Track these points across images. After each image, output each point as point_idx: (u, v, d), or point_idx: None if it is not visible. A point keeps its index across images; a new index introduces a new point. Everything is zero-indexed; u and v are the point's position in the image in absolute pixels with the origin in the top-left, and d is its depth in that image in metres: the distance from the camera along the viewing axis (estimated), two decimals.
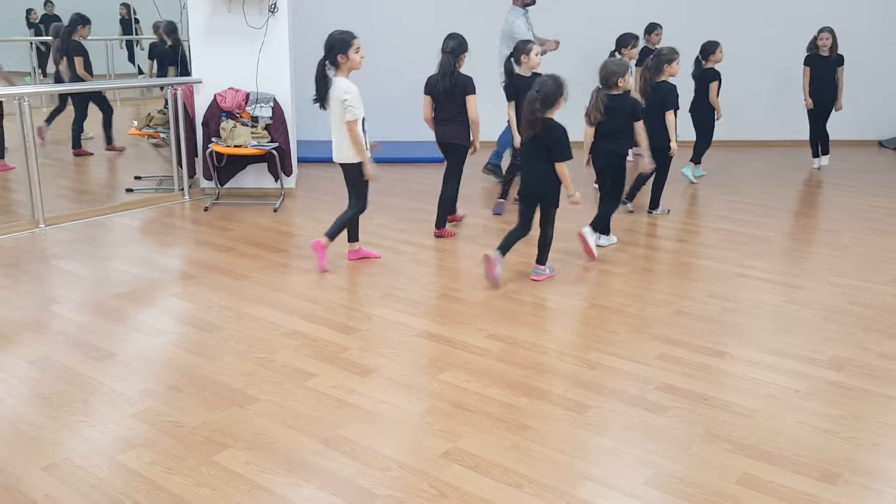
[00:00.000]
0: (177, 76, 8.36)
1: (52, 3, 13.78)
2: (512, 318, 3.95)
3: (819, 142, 7.91)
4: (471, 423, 2.91)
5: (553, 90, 4.26)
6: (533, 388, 3.20)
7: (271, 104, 6.12)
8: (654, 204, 6.07)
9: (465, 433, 2.84)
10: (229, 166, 6.22)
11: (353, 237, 4.79)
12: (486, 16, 7.15)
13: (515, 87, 5.57)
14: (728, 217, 6.05)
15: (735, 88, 7.89)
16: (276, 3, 6.03)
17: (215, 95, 6.11)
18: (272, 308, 4.01)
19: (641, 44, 7.44)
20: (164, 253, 5.01)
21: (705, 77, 6.91)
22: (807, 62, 7.65)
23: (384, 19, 8.20)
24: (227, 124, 5.97)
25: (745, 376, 3.35)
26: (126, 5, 13.64)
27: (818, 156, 7.95)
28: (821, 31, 7.51)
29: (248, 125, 6.03)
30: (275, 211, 5.98)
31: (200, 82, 6.20)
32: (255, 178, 6.39)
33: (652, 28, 7.82)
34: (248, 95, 6.13)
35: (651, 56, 5.98)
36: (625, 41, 7.04)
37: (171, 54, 8.29)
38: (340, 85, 4.34)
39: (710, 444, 2.80)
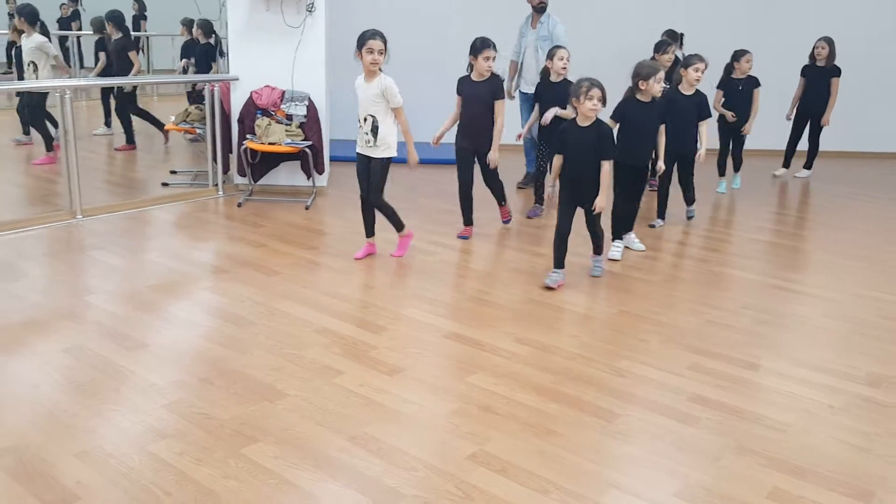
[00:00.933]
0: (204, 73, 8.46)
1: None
2: (541, 322, 3.93)
3: (808, 153, 7.80)
4: (498, 427, 2.90)
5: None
6: (561, 393, 3.18)
7: (306, 103, 6.16)
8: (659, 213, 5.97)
9: (493, 436, 2.83)
10: (263, 163, 6.27)
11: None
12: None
13: (540, 91, 5.76)
14: (763, 228, 5.97)
15: (768, 97, 7.75)
16: (313, 3, 6.08)
17: (251, 93, 6.17)
18: (302, 305, 4.04)
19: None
20: (197, 247, 5.06)
21: (718, 84, 6.91)
22: (802, 72, 7.54)
23: (421, 21, 8.22)
24: (262, 122, 6.02)
25: (778, 390, 3.30)
26: (139, 2, 13.66)
27: (788, 166, 7.87)
28: (818, 39, 7.39)
29: (282, 123, 6.08)
30: (306, 208, 6.01)
31: (237, 79, 6.27)
32: (287, 175, 6.44)
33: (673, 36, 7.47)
34: (283, 93, 6.18)
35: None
36: (657, 46, 6.69)
37: (212, 51, 8.45)
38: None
39: (741, 457, 2.76)
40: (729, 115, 6.82)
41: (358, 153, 4.63)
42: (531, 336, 3.75)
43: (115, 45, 7.95)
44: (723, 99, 6.92)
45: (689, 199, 6.01)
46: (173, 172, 7.11)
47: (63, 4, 14.15)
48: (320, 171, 6.31)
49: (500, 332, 3.79)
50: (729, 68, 6.85)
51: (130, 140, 8.20)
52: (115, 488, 2.44)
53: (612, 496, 2.50)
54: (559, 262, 4.46)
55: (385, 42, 4.37)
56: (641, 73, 4.79)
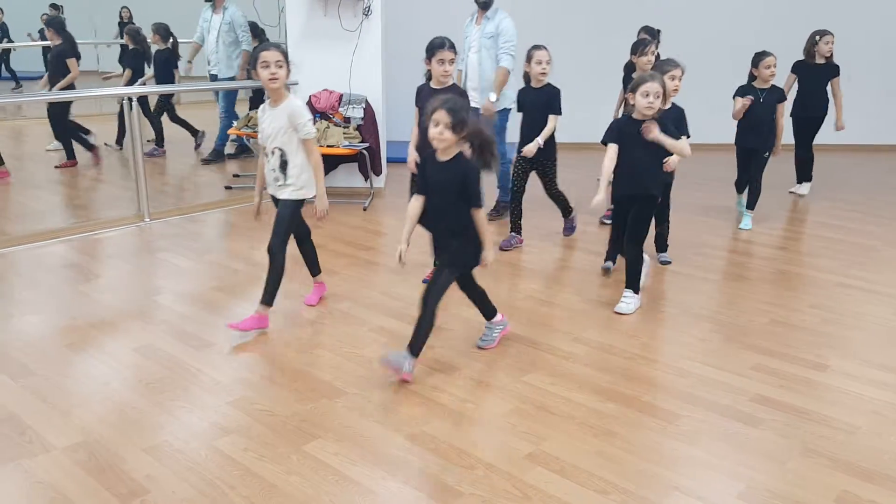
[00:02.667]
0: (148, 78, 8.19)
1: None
2: (599, 322, 3.89)
3: (802, 164, 6.70)
4: (555, 427, 2.89)
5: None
6: (620, 394, 3.15)
7: (363, 105, 6.24)
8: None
9: (550, 436, 2.82)
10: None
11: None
12: (583, 17, 7.07)
13: (520, 99, 5.01)
14: (830, 224, 5.80)
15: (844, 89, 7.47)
16: (370, 6, 6.15)
17: (310, 96, 6.28)
18: (361, 304, 4.09)
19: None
20: (259, 248, 5.17)
21: (735, 93, 5.57)
22: (795, 69, 6.41)
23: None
24: (320, 125, 6.12)
25: (846, 391, 3.20)
26: (127, 7, 13.17)
27: (808, 179, 6.74)
28: (825, 33, 6.26)
29: (340, 126, 6.17)
30: (364, 209, 6.09)
31: (297, 84, 6.37)
32: (345, 177, 6.53)
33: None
34: (341, 97, 6.27)
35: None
36: (634, 46, 5.39)
37: (172, 58, 8.09)
38: None
39: (808, 460, 2.69)
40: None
41: (270, 194, 3.87)
42: (588, 336, 3.72)
43: (53, 50, 7.35)
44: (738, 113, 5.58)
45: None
46: (236, 176, 7.29)
47: (45, 14, 14.16)
48: (377, 173, 6.38)
49: (557, 331, 3.77)
50: (751, 75, 5.54)
51: (70, 156, 7.56)
52: (182, 482, 2.52)
53: (674, 498, 2.47)
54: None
55: (285, 54, 3.59)
56: (630, 85, 3.87)
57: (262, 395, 3.11)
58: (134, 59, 8.41)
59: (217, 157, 7.88)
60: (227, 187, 6.84)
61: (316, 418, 2.93)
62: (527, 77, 4.97)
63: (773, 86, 5.48)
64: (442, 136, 3.13)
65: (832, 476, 2.60)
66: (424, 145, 4.31)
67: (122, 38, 8.00)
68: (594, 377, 3.29)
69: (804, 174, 6.73)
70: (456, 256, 3.29)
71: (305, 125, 3.64)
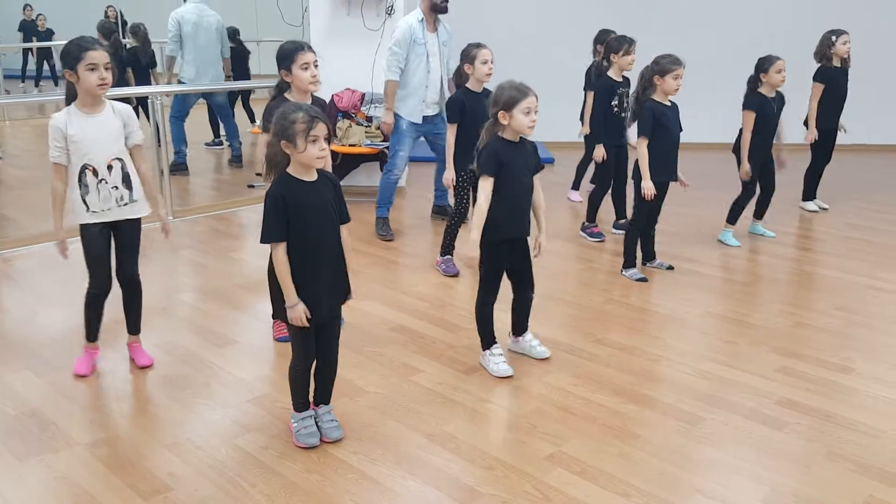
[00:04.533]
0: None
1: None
2: (622, 323, 3.86)
3: (817, 179, 6.08)
4: (576, 428, 2.87)
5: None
6: (643, 396, 3.12)
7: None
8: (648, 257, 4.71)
9: (571, 437, 2.80)
10: (344, 164, 6.36)
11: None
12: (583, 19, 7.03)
13: (460, 104, 4.37)
14: (858, 225, 5.70)
15: (869, 89, 7.35)
16: (393, 6, 6.15)
17: (333, 96, 6.28)
18: (382, 303, 4.09)
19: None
20: None
21: (745, 104, 4.93)
22: (822, 77, 5.73)
23: (497, 23, 8.20)
24: (342, 124, 6.14)
25: (873, 394, 3.14)
26: (113, 7, 12.31)
27: (814, 197, 6.14)
28: (842, 32, 5.68)
29: (362, 125, 6.18)
30: None
31: (320, 83, 6.38)
32: (367, 176, 6.53)
33: (603, 37, 5.64)
34: (363, 96, 6.28)
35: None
36: (615, 44, 4.94)
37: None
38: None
39: (833, 464, 2.65)
40: (745, 160, 4.92)
41: (102, 223, 3.14)
42: (611, 337, 3.69)
43: None
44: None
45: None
46: (258, 174, 7.32)
47: (39, 15, 13.28)
48: None
49: (580, 332, 3.75)
50: (754, 81, 4.90)
51: None
52: (203, 479, 2.54)
53: (696, 501, 2.44)
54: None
55: (111, 55, 3.03)
56: (499, 101, 3.11)
57: (284, 393, 3.10)
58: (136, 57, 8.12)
59: (176, 169, 7.07)
60: (250, 186, 6.87)
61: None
62: (464, 79, 4.41)
63: (777, 92, 4.93)
64: (324, 152, 2.58)
65: (858, 480, 2.56)
66: None
67: (104, 39, 7.74)
68: (616, 378, 3.27)
69: (813, 192, 6.15)
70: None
71: (139, 128, 3.22)
